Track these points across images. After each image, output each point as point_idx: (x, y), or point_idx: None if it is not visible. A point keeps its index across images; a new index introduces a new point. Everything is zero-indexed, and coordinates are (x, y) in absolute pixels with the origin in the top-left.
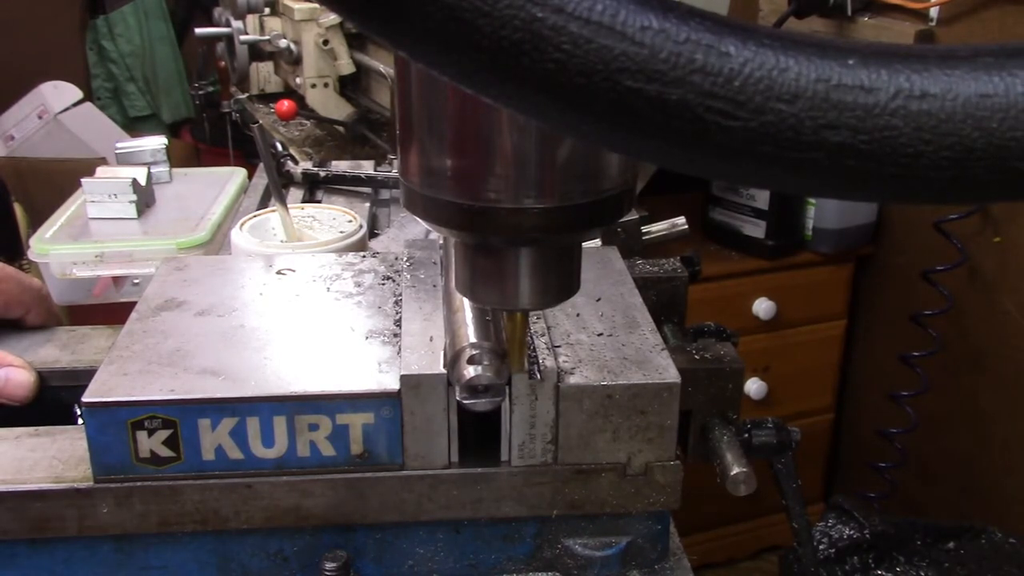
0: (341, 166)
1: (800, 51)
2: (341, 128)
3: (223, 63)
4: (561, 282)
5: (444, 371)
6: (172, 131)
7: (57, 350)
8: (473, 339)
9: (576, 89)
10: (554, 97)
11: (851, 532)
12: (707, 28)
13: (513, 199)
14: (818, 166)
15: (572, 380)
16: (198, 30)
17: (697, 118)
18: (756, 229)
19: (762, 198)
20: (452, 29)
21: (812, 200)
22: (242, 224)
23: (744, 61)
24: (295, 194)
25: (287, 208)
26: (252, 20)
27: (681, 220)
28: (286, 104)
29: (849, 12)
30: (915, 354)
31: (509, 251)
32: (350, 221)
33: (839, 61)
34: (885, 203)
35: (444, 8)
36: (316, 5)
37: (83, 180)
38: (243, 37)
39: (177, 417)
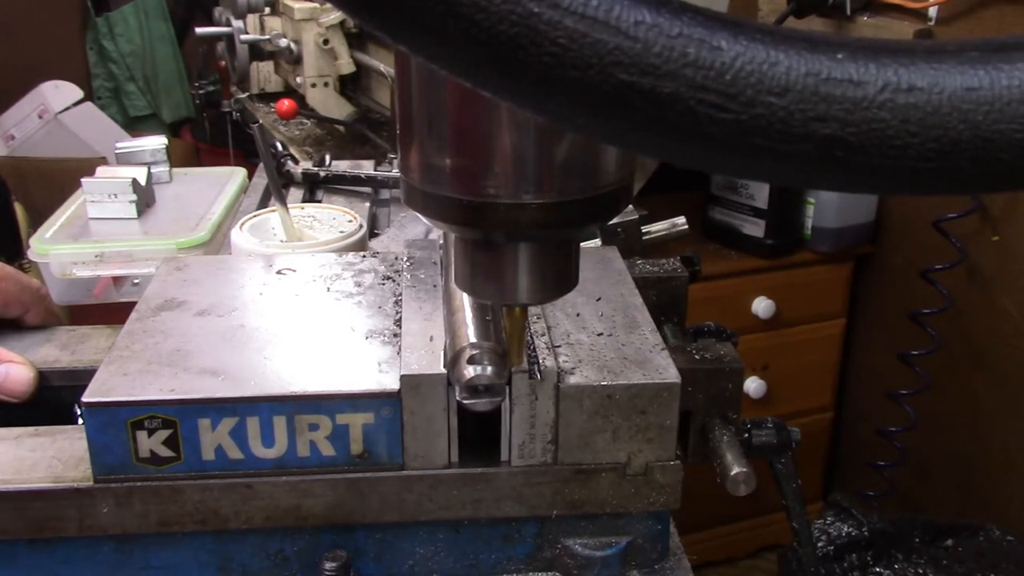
0: (341, 166)
1: (790, 46)
2: (341, 127)
3: (223, 63)
4: (559, 277)
5: (444, 371)
6: (172, 131)
7: (57, 350)
8: (473, 339)
9: (571, 82)
10: (550, 90)
11: (850, 530)
12: (699, 23)
13: (512, 194)
14: (808, 157)
15: (572, 380)
16: (198, 29)
17: (689, 111)
18: (755, 228)
19: (761, 197)
20: (450, 24)
21: (811, 199)
22: (242, 224)
23: (736, 55)
24: (295, 194)
25: (287, 208)
26: (252, 20)
27: (681, 220)
28: (286, 103)
29: (848, 11)
30: (914, 353)
31: (508, 246)
32: (350, 221)
33: (828, 55)
34: (873, 194)
35: (443, 3)
36: (316, 4)
37: (83, 180)
38: (243, 36)
39: (177, 417)
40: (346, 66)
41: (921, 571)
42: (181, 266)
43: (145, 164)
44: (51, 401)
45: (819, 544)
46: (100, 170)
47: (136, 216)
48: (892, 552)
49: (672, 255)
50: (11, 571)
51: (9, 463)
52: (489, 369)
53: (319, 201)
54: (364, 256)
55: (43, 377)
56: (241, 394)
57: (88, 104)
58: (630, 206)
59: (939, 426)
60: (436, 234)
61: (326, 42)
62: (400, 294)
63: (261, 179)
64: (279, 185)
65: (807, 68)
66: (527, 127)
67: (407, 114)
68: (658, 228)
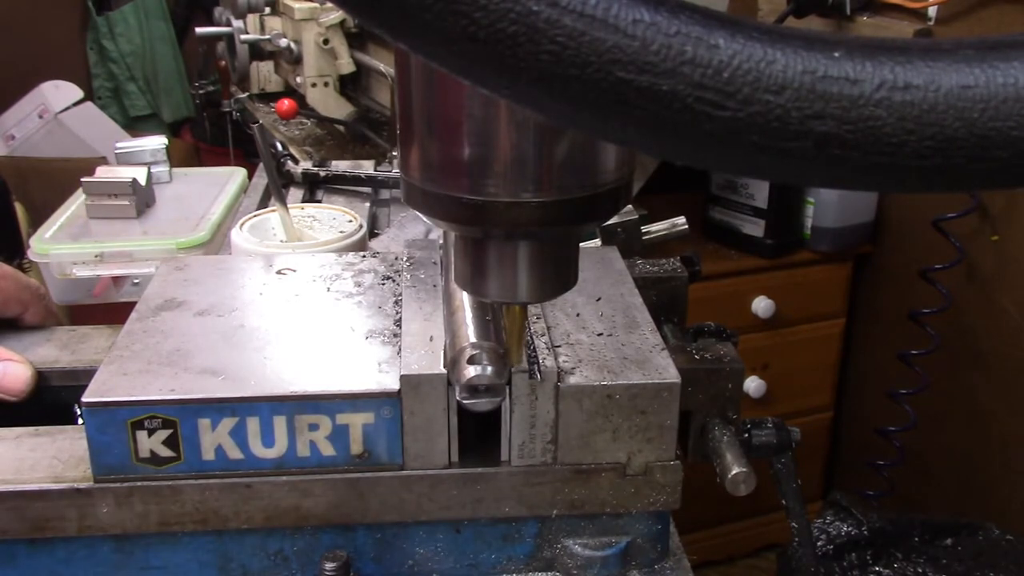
0: (341, 166)
1: (787, 44)
2: (341, 127)
3: (223, 62)
4: (559, 275)
5: (444, 371)
6: (172, 131)
7: (57, 350)
8: (473, 339)
9: (570, 80)
10: (548, 88)
11: (849, 529)
12: (697, 21)
13: (511, 193)
14: (805, 155)
15: (572, 380)
16: (199, 29)
17: (687, 108)
18: (755, 228)
19: (761, 197)
20: (450, 22)
21: (811, 199)
22: (242, 224)
23: (733, 53)
24: (295, 194)
25: (287, 208)
26: (252, 19)
27: (681, 220)
28: (286, 103)
29: (848, 11)
30: (913, 352)
31: (507, 244)
32: (350, 221)
33: (825, 53)
34: (870, 191)
35: (442, 1)
36: (316, 4)
37: (83, 180)
38: (243, 36)
39: (177, 417)
40: (346, 66)
41: (920, 570)
42: (181, 266)
43: (145, 164)
44: (51, 401)
45: (818, 543)
46: (100, 170)
47: (136, 216)
48: (891, 551)
49: (672, 255)
50: (11, 571)
51: (9, 463)
52: (489, 369)
53: (319, 201)
54: (364, 256)
55: (43, 377)
56: (241, 394)
57: (88, 104)
58: (630, 206)
59: (939, 425)
60: (436, 234)
61: (326, 42)
62: (400, 294)
63: (261, 179)
64: (279, 185)
65: (804, 66)
66: (527, 125)
67: (407, 113)
68: (658, 228)
